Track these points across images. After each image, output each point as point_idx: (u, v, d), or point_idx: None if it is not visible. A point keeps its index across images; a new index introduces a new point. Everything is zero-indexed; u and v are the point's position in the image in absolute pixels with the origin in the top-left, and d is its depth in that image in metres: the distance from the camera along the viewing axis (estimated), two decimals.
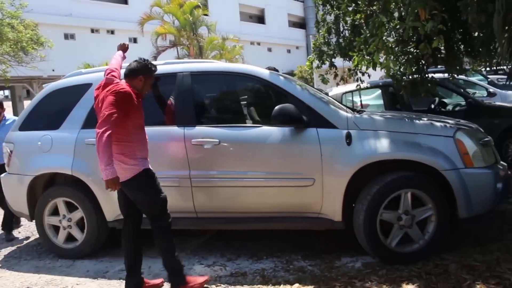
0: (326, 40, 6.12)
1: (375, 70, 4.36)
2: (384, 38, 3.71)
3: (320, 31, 6.22)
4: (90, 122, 4.41)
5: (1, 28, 13.96)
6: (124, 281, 3.70)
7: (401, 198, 3.62)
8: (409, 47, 4.60)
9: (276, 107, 3.76)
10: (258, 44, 39.09)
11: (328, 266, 3.80)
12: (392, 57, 3.70)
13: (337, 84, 6.70)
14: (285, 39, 41.48)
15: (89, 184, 4.34)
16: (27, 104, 5.53)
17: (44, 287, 3.94)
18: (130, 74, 3.53)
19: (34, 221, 4.77)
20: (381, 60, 3.98)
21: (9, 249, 5.12)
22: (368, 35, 4.13)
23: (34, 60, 16.09)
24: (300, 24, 45.71)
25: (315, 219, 3.88)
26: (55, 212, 4.62)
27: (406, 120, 4.18)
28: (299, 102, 3.90)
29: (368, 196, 3.62)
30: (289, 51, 42.63)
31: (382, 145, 3.69)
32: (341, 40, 5.88)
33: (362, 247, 3.81)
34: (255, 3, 39.92)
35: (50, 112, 4.83)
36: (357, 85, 5.84)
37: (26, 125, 4.85)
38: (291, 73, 29.01)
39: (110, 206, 4.30)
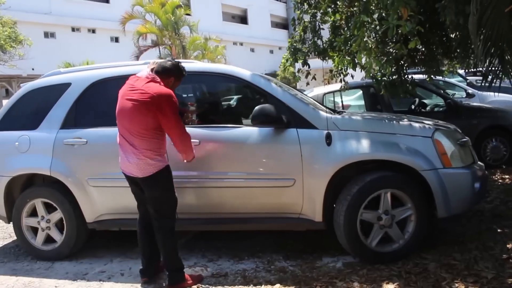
0: (302, 38, 6.13)
1: (355, 70, 4.39)
2: (365, 38, 3.72)
3: (296, 29, 6.24)
4: (68, 122, 4.38)
5: None
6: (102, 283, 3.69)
7: (381, 198, 3.65)
8: (388, 47, 4.64)
9: (256, 108, 3.76)
10: (241, 44, 39.07)
11: (309, 266, 3.82)
12: (373, 57, 3.71)
13: (307, 84, 6.71)
14: (267, 39, 41.52)
15: (68, 185, 4.28)
16: (6, 102, 5.44)
17: None
18: (163, 73, 3.55)
19: (11, 223, 4.69)
20: (363, 60, 4.01)
21: None
22: (348, 35, 4.16)
23: (12, 58, 15.87)
24: (283, 24, 45.82)
25: (296, 220, 3.89)
26: (33, 213, 4.54)
27: (386, 120, 4.23)
28: (279, 103, 3.91)
29: (348, 196, 3.64)
30: (271, 51, 42.70)
31: (361, 146, 3.71)
32: (316, 39, 5.89)
33: (342, 247, 3.83)
34: (237, 3, 39.90)
35: (28, 112, 4.75)
36: (341, 86, 5.87)
37: (3, 125, 4.77)
38: (274, 74, 29.10)
39: (90, 208, 4.26)
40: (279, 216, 3.94)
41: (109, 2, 29.38)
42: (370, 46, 3.67)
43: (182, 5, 21.51)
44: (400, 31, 3.66)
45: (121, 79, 4.35)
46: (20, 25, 16.40)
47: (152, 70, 3.56)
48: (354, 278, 3.46)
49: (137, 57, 20.42)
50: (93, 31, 28.93)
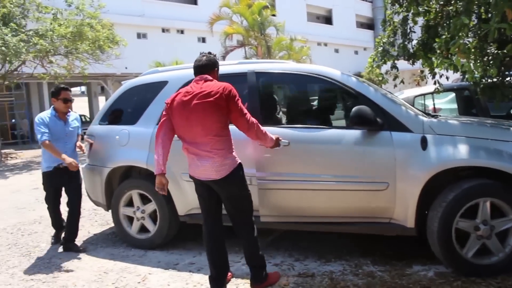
0: (391, 41, 5.96)
1: (456, 72, 4.20)
2: (464, 40, 3.55)
3: (385, 29, 6.08)
4: None
5: (82, 28, 14.74)
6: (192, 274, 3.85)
7: (479, 207, 3.47)
8: (490, 48, 4.39)
9: (354, 108, 3.71)
10: (325, 45, 38.72)
11: (398, 273, 3.72)
12: (473, 59, 3.53)
13: (395, 86, 6.50)
14: (352, 40, 40.80)
15: None
16: (102, 99, 5.81)
17: (119, 274, 4.14)
18: (210, 68, 3.57)
19: (110, 211, 5.03)
20: (462, 62, 3.83)
21: (87, 236, 5.43)
22: (448, 36, 3.99)
23: (109, 58, 16.88)
24: (368, 25, 44.82)
25: (386, 224, 3.82)
26: (130, 203, 4.84)
27: (485, 125, 4.01)
28: (373, 104, 3.84)
29: (443, 203, 3.50)
30: (356, 52, 41.91)
31: (459, 151, 3.56)
32: (406, 43, 5.70)
33: (434, 255, 3.70)
34: (322, 4, 39.59)
35: (128, 107, 5.08)
36: (435, 88, 5.65)
37: (105, 119, 5.13)
38: (359, 75, 28.39)
39: (182, 201, 4.44)
40: (369, 220, 3.88)
41: (197, 3, 30.40)
42: (471, 47, 3.49)
43: (269, 6, 21.69)
44: (503, 32, 3.45)
45: None
46: (116, 27, 17.37)
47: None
48: None
49: (224, 57, 20.89)
50: (182, 32, 30.05)
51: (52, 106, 4.92)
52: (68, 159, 4.63)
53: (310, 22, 38.17)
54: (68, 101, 4.87)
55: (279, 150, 3.86)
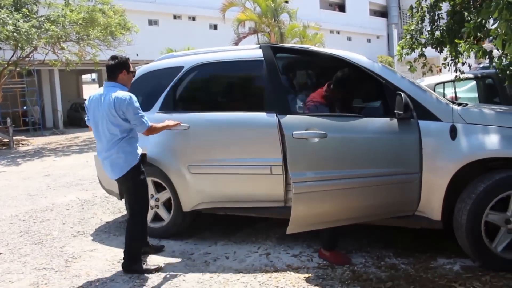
0: (419, 28, 5.77)
1: (485, 59, 4.01)
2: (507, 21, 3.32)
3: (413, 16, 5.88)
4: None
5: (93, 13, 14.62)
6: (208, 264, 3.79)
7: (511, 199, 3.30)
8: None
9: (403, 96, 3.45)
10: (338, 32, 38.24)
11: (423, 266, 3.58)
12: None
13: (423, 74, 6.32)
14: (365, 28, 40.27)
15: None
16: None
17: None
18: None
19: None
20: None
21: (99, 224, 5.34)
22: (478, 20, 3.79)
23: (121, 44, 16.78)
24: (382, 12, 44.16)
25: (411, 217, 3.66)
26: None
27: None
28: (400, 92, 3.61)
29: (472, 195, 3.33)
30: (369, 40, 41.40)
31: (491, 141, 3.38)
32: (435, 30, 5.51)
33: (460, 248, 3.55)
34: None
35: (142, 94, 4.93)
36: (457, 76, 5.46)
37: None
38: None
39: (188, 195, 4.37)
40: (396, 214, 3.69)
41: None
42: (511, 31, 3.27)
43: None
44: None
45: (231, 63, 4.41)
46: (127, 14, 17.23)
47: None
48: (476, 284, 3.19)
49: (236, 44, 20.71)
50: (193, 19, 29.87)
51: (113, 83, 3.80)
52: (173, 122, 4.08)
53: (323, 9, 37.70)
54: None
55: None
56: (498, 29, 3.11)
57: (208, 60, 4.50)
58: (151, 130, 3.74)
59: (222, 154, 4.19)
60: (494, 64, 4.62)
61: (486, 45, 5.49)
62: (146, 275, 3.73)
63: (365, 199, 3.64)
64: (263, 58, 4.00)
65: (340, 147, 3.61)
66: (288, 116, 3.63)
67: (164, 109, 4.52)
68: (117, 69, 3.76)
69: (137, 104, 3.66)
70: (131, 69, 3.87)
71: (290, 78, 4.59)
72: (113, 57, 3.82)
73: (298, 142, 3.52)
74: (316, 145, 3.53)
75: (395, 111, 3.51)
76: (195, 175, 4.26)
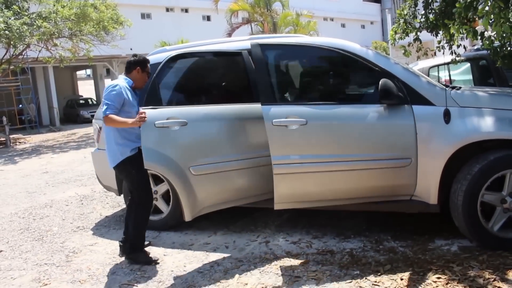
0: (413, 12, 5.75)
1: (476, 39, 4.00)
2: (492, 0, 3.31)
3: (406, 0, 5.86)
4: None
5: (85, 9, 14.54)
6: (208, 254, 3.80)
7: (506, 179, 3.34)
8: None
9: (381, 82, 3.51)
10: (332, 20, 38.09)
11: (421, 248, 3.62)
12: (501, 23, 3.30)
13: (418, 58, 6.29)
14: (359, 14, 40.08)
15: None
16: (108, 82, 5.66)
17: None
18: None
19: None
20: (489, 27, 3.59)
21: (99, 218, 5.36)
22: (468, 1, 3.78)
23: (114, 39, 16.72)
24: None
25: (408, 202, 3.69)
26: None
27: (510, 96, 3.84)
28: (393, 78, 3.64)
29: (468, 175, 3.36)
30: (363, 26, 41.24)
31: (485, 124, 3.40)
32: (428, 13, 5.48)
33: (456, 229, 3.58)
34: None
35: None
36: (452, 59, 5.45)
37: None
38: None
39: (191, 201, 4.22)
40: (390, 198, 3.74)
41: None
42: (496, 10, 3.27)
43: None
44: None
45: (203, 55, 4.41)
46: (119, 8, 17.13)
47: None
48: (473, 264, 3.22)
49: (229, 35, 20.69)
50: (186, 11, 29.72)
51: (125, 77, 3.94)
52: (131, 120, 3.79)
53: None
54: None
55: (294, 131, 3.68)
56: (486, 8, 3.11)
57: (181, 53, 4.40)
58: (109, 120, 3.69)
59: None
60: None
61: (480, 26, 5.47)
62: (146, 266, 3.76)
63: (353, 181, 3.73)
64: (243, 50, 4.07)
65: (321, 133, 3.74)
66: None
67: (148, 104, 4.45)
68: (132, 66, 3.91)
69: (113, 93, 3.70)
70: (147, 69, 3.96)
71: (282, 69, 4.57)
72: (134, 55, 3.99)
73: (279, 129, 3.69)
74: (297, 131, 3.68)
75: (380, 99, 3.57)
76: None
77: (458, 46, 5.26)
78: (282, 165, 3.70)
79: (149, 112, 3.71)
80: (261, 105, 3.74)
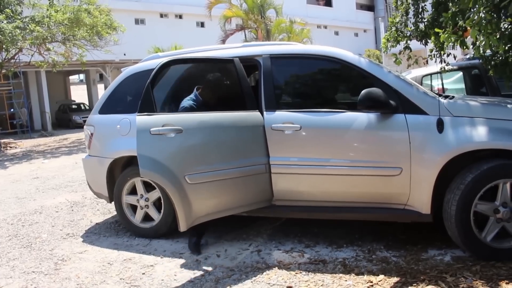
0: (404, 20, 5.78)
1: (463, 48, 4.02)
2: (481, 13, 3.35)
3: (398, 8, 5.89)
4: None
5: (79, 14, 14.50)
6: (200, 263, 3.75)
7: (499, 189, 3.32)
8: (503, 22, 4.19)
9: (363, 91, 3.54)
10: (325, 27, 38.30)
11: (414, 258, 3.59)
12: (487, 34, 3.32)
13: (408, 66, 6.32)
14: (352, 22, 40.37)
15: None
16: (101, 87, 5.63)
17: (123, 264, 4.00)
18: None
19: (112, 202, 4.89)
20: (478, 38, 3.62)
21: (89, 225, 5.30)
22: (457, 9, 3.79)
23: (108, 44, 16.68)
24: (368, 6, 44.26)
25: (401, 211, 3.68)
26: (133, 191, 4.69)
27: (504, 105, 3.84)
28: (385, 86, 3.67)
29: (461, 185, 3.34)
30: (356, 34, 41.50)
31: (478, 133, 3.39)
32: (419, 22, 5.52)
33: (449, 239, 3.57)
34: None
35: (129, 95, 4.89)
36: (441, 67, 5.47)
37: (105, 109, 4.94)
38: None
39: (186, 212, 4.19)
40: (382, 206, 3.74)
41: None
42: (484, 21, 3.29)
43: None
44: None
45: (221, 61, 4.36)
46: (113, 13, 17.11)
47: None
48: (466, 275, 3.19)
49: (223, 41, 20.68)
50: (180, 17, 29.76)
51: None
52: None
53: (310, 4, 37.70)
54: None
55: (290, 135, 3.79)
56: (475, 17, 3.11)
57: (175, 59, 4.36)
58: None
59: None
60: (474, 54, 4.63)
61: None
62: (136, 275, 3.71)
63: (344, 186, 3.83)
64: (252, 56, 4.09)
65: (315, 139, 3.89)
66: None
67: (143, 110, 4.40)
68: None
69: None
70: None
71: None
72: None
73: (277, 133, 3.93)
74: (292, 135, 3.87)
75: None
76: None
77: (448, 55, 5.27)
78: (279, 165, 3.95)
79: (144, 118, 3.65)
80: (264, 111, 4.01)
